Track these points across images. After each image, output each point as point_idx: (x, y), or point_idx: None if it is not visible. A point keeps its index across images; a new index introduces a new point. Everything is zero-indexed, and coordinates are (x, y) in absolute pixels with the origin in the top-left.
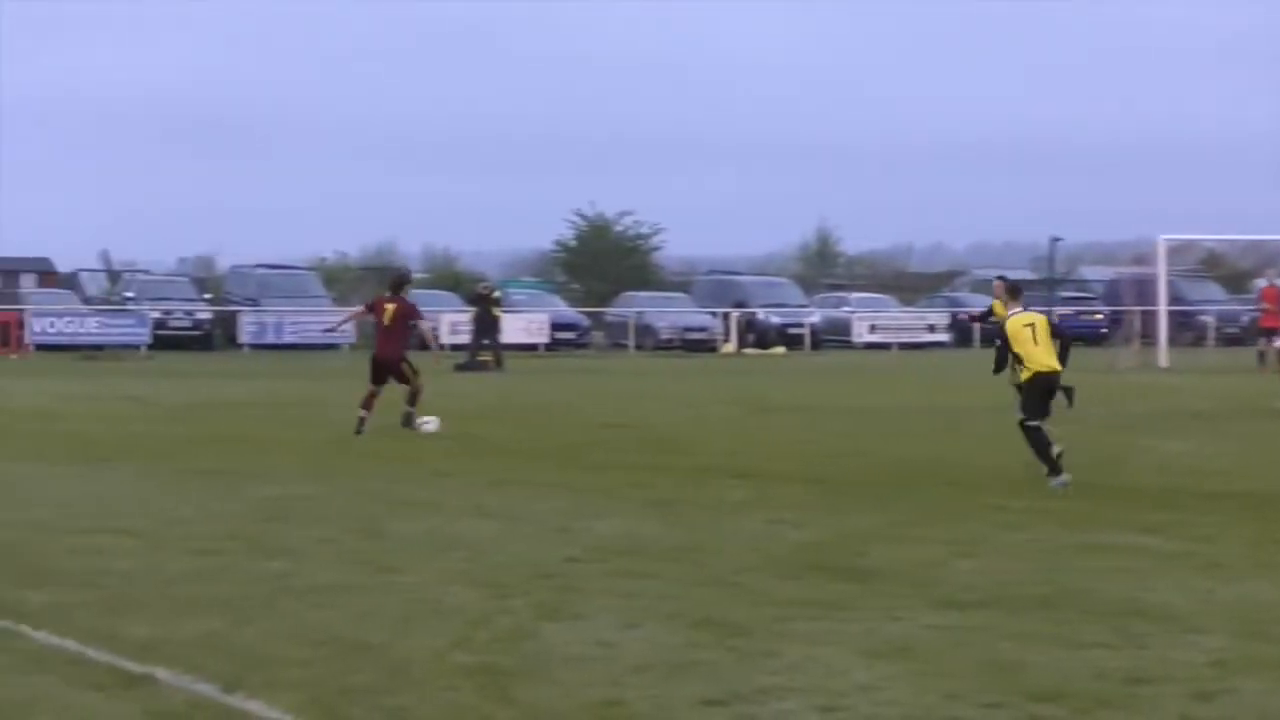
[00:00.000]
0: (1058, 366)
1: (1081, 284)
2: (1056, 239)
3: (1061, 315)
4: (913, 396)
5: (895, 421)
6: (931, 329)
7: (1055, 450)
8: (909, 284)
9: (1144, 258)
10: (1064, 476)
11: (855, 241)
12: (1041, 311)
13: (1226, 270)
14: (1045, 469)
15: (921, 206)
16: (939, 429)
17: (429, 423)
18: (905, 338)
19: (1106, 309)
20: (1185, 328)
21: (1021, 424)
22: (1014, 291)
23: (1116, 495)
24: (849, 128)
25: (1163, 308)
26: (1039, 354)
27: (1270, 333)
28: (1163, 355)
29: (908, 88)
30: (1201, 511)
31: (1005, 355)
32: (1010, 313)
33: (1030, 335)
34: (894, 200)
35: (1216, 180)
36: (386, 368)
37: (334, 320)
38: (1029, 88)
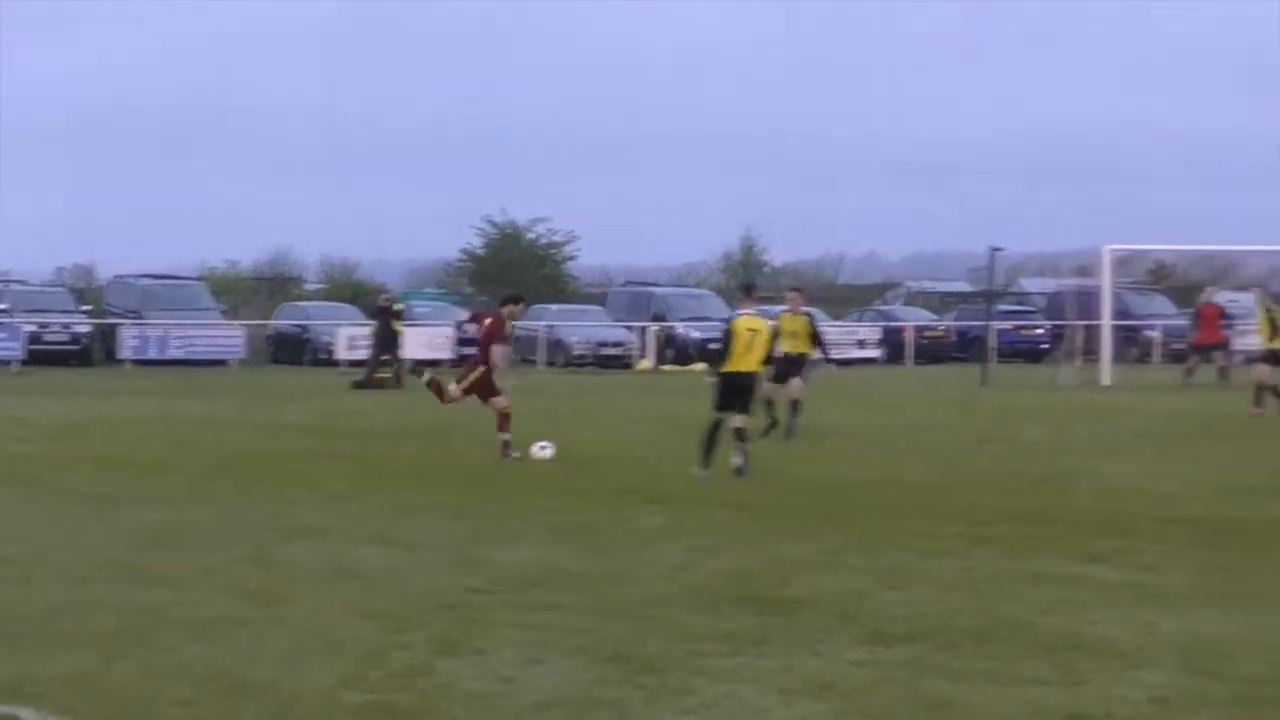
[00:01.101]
0: (754, 370)
1: (1022, 296)
2: (996, 249)
3: (1001, 330)
4: (839, 416)
5: (820, 443)
6: (862, 344)
7: (701, 471)
8: (839, 296)
9: (1088, 269)
10: (706, 472)
11: (783, 251)
12: (762, 318)
13: (1175, 282)
14: (703, 459)
15: (855, 215)
16: (867, 450)
17: (543, 449)
18: (834, 353)
19: (1048, 323)
20: (1131, 343)
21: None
22: (748, 291)
23: (1056, 521)
24: (780, 132)
25: (1107, 322)
26: (743, 358)
27: (1204, 349)
28: (1106, 372)
29: (841, 91)
30: (1146, 539)
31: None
32: (740, 312)
33: (748, 340)
34: (825, 209)
35: (1168, 187)
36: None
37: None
38: (970, 90)
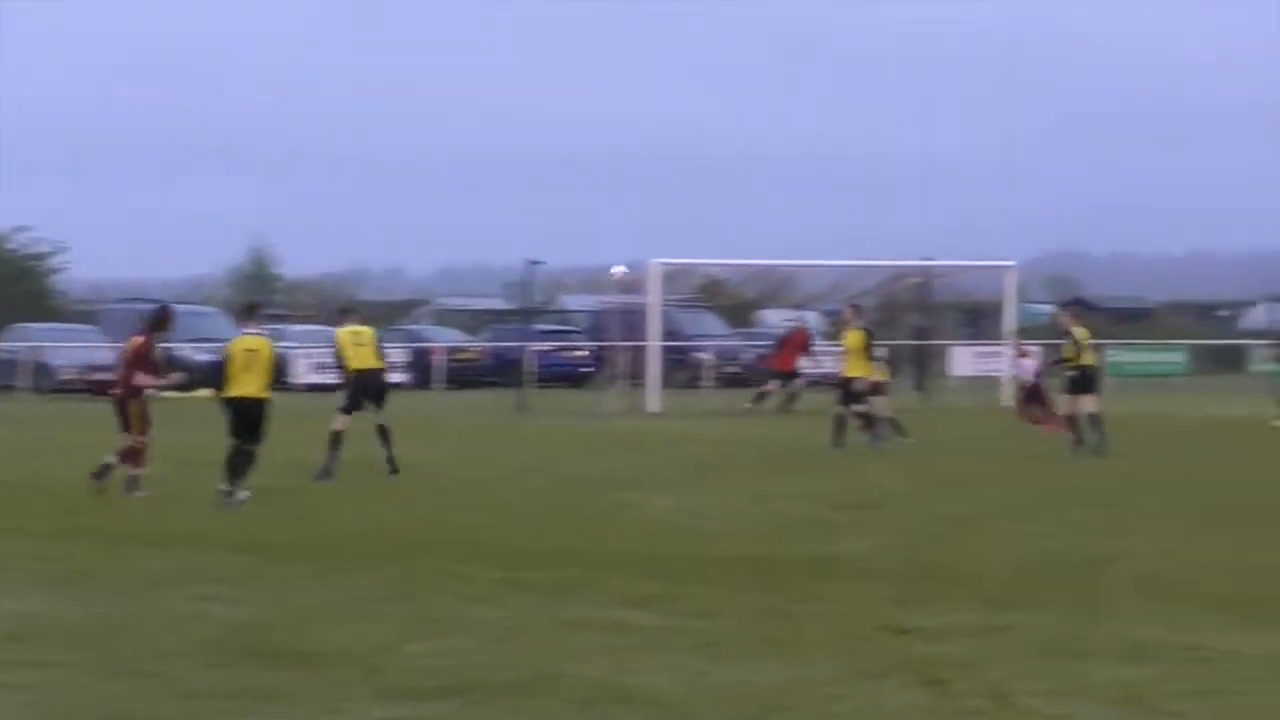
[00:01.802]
0: (253, 394)
1: (563, 314)
2: (535, 262)
3: (540, 351)
4: (363, 448)
5: (341, 478)
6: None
7: (228, 487)
8: (362, 314)
9: (634, 284)
10: (230, 485)
11: (299, 264)
12: (264, 337)
13: (727, 300)
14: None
15: (380, 226)
16: (394, 486)
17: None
18: None
19: (591, 344)
20: (680, 365)
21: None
22: (249, 310)
23: (598, 562)
24: (299, 136)
25: (654, 343)
26: (240, 380)
27: (782, 375)
28: (654, 397)
29: (365, 92)
30: (696, 581)
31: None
32: (241, 332)
33: (244, 362)
34: (346, 218)
35: (719, 199)
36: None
37: None
38: (510, 95)
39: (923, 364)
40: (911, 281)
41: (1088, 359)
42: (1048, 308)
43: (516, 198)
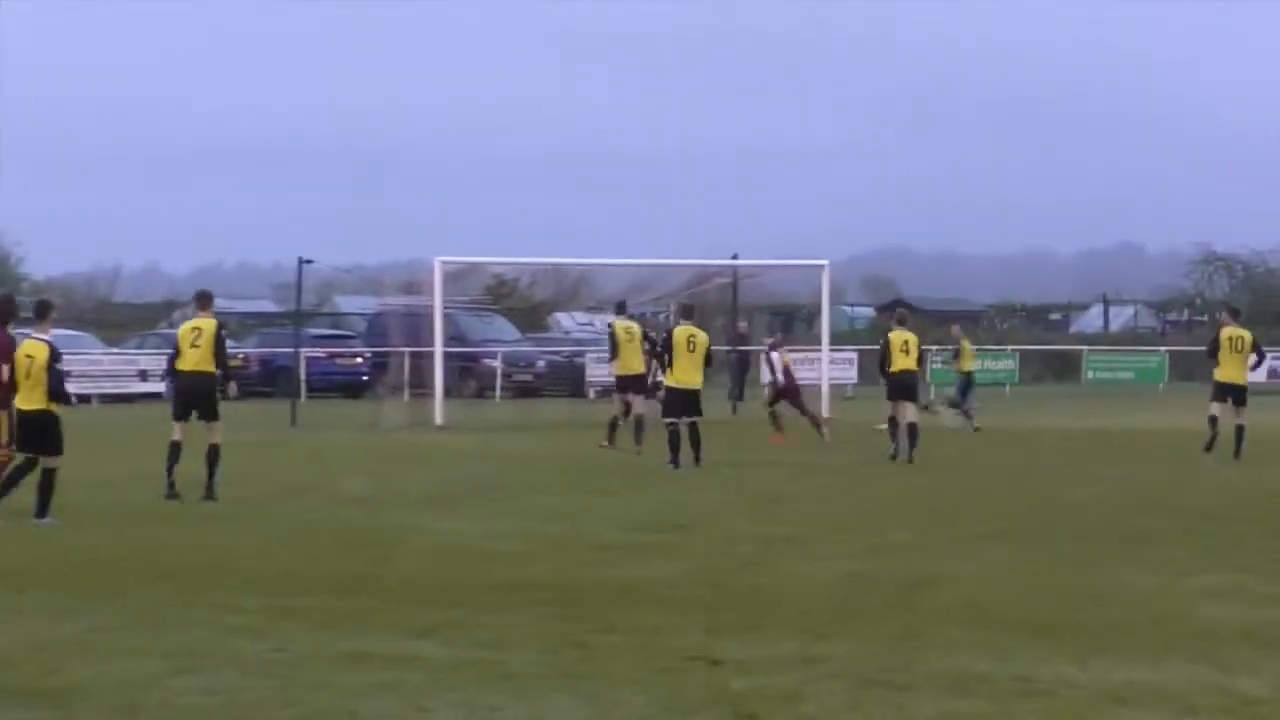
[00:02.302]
0: (31, 407)
1: (338, 318)
2: (306, 261)
3: (313, 358)
4: (113, 465)
5: (91, 500)
6: (144, 376)
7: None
8: (115, 318)
9: (416, 285)
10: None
11: (44, 262)
12: (42, 342)
13: (518, 302)
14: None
15: (133, 221)
16: (149, 506)
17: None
18: (110, 387)
19: (369, 350)
20: (468, 374)
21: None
22: (39, 311)
23: (379, 590)
24: (33, 125)
25: (439, 349)
26: (23, 389)
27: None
28: (439, 409)
29: (120, 85)
30: (489, 609)
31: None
32: (39, 336)
33: (25, 368)
34: (96, 213)
35: (508, 192)
36: None
37: None
38: (268, 81)
39: (742, 371)
40: (720, 282)
41: (905, 364)
42: (866, 310)
43: (282, 190)
